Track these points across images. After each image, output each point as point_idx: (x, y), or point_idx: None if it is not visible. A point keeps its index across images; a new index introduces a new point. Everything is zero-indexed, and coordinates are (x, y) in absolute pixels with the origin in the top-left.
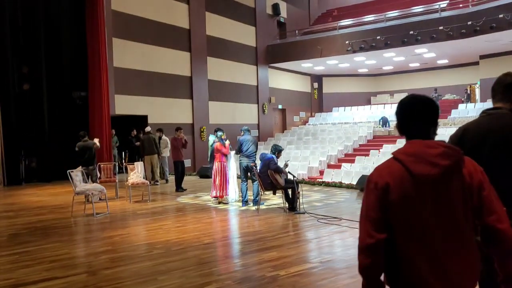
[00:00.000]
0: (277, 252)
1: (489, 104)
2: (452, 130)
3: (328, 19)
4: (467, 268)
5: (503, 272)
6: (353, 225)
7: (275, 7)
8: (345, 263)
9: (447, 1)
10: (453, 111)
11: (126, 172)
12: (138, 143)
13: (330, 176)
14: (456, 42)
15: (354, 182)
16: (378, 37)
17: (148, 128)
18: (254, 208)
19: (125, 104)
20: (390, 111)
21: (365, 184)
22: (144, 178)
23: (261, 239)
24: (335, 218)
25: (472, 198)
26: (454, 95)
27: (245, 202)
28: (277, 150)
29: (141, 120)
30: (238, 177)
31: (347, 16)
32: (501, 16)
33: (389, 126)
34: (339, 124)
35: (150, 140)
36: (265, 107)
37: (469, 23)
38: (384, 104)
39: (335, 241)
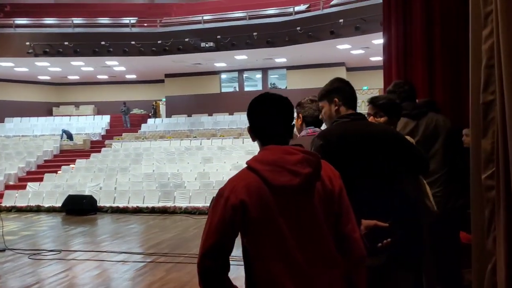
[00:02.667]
0: None
1: (174, 119)
2: (145, 144)
3: None
4: (332, 280)
5: (354, 283)
6: (80, 257)
7: None
8: None
9: (137, 18)
10: (142, 125)
11: None
12: None
13: (13, 199)
14: (146, 59)
15: (53, 204)
16: (66, 43)
17: None
18: None
19: None
20: (76, 124)
21: (215, 197)
22: None
23: None
24: (53, 251)
25: (333, 204)
26: (142, 110)
27: None
28: None
29: None
30: None
31: (23, 15)
32: (187, 39)
33: (72, 139)
34: (15, 137)
35: None
36: None
37: (159, 42)
38: (70, 116)
39: (74, 280)
